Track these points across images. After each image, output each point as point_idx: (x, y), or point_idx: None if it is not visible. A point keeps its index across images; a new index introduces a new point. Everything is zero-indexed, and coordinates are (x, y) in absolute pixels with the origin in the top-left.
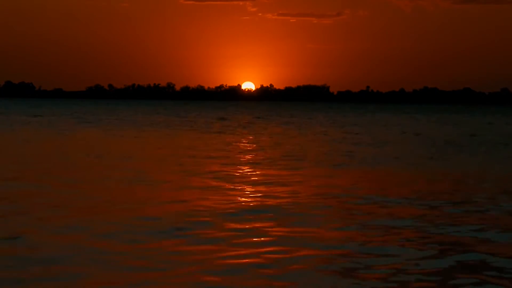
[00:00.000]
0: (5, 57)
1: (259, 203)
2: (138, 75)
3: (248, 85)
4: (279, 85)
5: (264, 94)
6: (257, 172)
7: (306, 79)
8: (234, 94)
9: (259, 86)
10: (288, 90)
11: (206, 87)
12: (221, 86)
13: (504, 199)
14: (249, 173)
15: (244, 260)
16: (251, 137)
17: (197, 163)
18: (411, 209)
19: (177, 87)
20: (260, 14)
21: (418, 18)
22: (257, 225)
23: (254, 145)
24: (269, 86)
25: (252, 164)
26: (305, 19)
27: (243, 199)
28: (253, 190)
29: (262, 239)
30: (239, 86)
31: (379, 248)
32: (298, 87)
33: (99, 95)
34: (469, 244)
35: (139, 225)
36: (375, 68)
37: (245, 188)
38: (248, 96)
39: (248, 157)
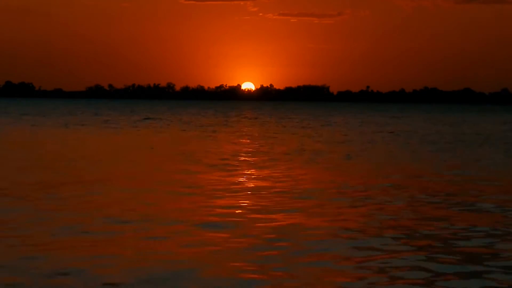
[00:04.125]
0: (5, 57)
1: None
2: (138, 75)
3: (248, 85)
4: (279, 85)
5: (264, 94)
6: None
7: (306, 79)
8: (234, 94)
9: (259, 86)
10: (288, 90)
11: (206, 87)
12: (221, 86)
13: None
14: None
15: None
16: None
17: None
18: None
19: (177, 87)
20: (260, 14)
21: (419, 18)
22: None
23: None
24: (269, 86)
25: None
26: (306, 19)
27: None
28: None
29: None
30: (239, 86)
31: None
32: (298, 87)
33: (99, 95)
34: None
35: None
36: (375, 68)
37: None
38: (248, 96)
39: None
